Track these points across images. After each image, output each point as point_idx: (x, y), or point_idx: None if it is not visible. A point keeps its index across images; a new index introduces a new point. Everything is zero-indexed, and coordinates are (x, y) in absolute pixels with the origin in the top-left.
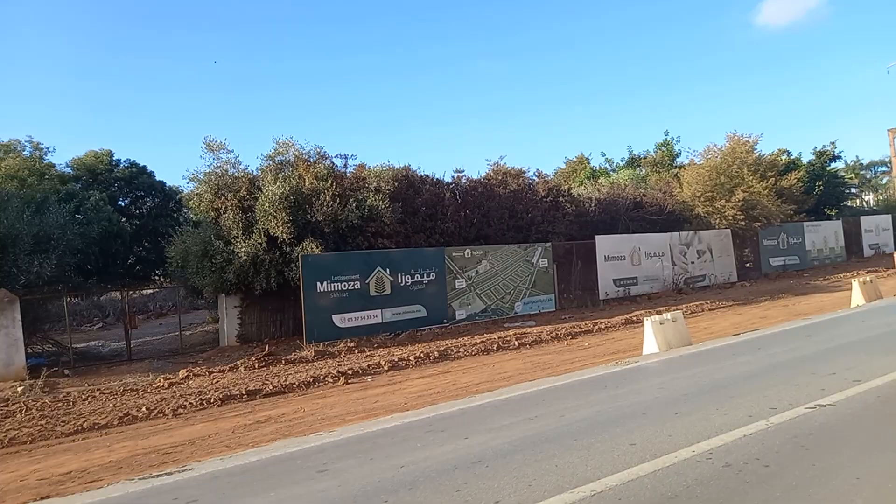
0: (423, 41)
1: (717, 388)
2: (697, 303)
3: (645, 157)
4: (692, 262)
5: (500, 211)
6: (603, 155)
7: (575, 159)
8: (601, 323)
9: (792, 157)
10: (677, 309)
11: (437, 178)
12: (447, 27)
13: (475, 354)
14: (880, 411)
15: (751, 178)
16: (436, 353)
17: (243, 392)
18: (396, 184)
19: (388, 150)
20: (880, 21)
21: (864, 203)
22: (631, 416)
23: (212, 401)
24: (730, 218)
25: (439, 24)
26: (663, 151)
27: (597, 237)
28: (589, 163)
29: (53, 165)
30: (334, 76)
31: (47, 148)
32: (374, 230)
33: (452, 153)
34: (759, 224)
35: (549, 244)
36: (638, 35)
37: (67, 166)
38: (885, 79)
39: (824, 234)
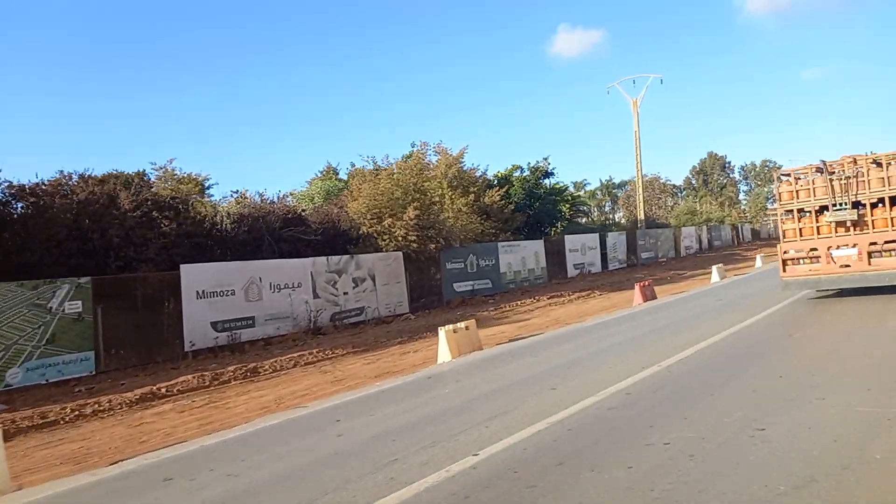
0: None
1: None
2: (302, 353)
3: (386, 169)
4: (345, 294)
5: (53, 230)
6: (352, 165)
7: (324, 171)
8: (106, 402)
9: (504, 172)
10: (274, 361)
11: None
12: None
13: None
14: None
15: (451, 193)
16: None
17: None
18: None
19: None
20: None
21: (613, 220)
22: None
23: None
24: (399, 238)
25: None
26: (410, 163)
27: (182, 267)
28: (337, 174)
29: None
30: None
31: None
32: None
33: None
34: (434, 246)
35: (86, 279)
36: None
37: None
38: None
39: (523, 255)
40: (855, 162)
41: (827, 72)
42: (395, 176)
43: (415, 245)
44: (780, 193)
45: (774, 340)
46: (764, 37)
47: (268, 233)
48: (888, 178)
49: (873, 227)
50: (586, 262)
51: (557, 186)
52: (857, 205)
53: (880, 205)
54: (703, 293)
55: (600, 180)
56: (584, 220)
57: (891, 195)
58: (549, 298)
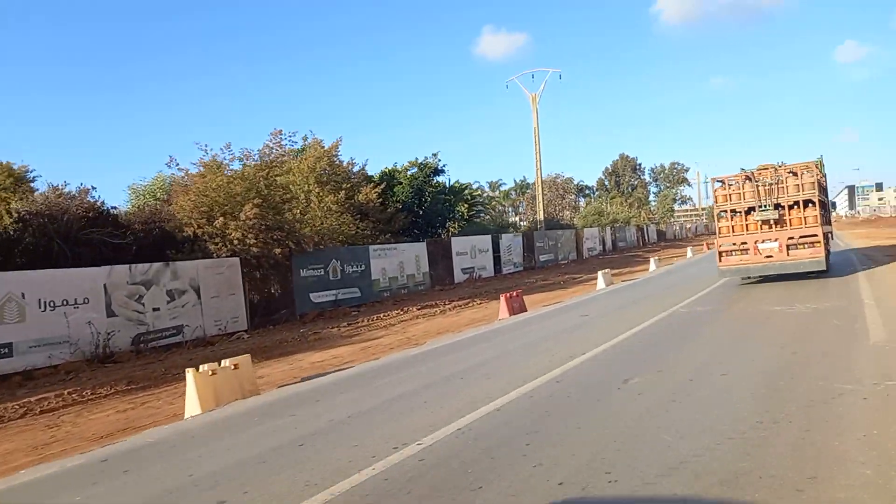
0: None
1: None
2: (48, 395)
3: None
4: (156, 310)
5: None
6: (241, 161)
7: (207, 163)
8: None
9: (388, 169)
10: None
11: None
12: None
13: None
14: None
15: (318, 190)
16: None
17: None
18: None
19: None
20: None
21: (528, 220)
22: None
23: None
24: (236, 242)
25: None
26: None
27: None
28: (220, 167)
29: None
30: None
31: None
32: None
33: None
34: (280, 250)
35: None
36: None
37: None
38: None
39: (401, 260)
40: (776, 171)
41: (732, 80)
42: (235, 168)
43: (255, 249)
44: (715, 196)
45: (601, 391)
46: (676, 45)
47: (59, 236)
48: (802, 185)
49: (791, 225)
50: (476, 266)
51: (457, 185)
52: (778, 206)
53: (796, 206)
54: (579, 304)
55: (514, 180)
56: (500, 220)
57: (804, 199)
58: (419, 310)
